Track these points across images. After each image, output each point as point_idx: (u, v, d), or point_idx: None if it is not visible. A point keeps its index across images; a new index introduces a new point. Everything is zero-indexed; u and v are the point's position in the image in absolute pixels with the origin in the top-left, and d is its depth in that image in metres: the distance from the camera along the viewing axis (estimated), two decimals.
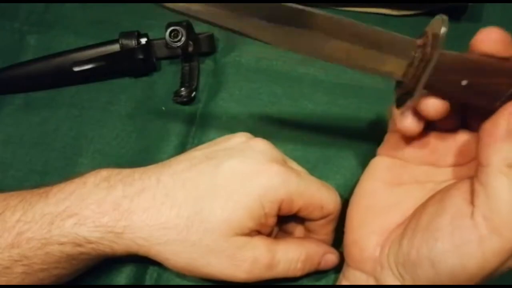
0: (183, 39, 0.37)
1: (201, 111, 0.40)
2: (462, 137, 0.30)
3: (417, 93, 0.25)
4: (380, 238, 0.29)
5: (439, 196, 0.28)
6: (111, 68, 0.40)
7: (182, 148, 0.39)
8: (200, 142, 0.39)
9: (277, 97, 0.40)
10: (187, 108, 0.40)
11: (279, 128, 0.39)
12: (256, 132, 0.39)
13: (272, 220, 0.31)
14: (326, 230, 0.33)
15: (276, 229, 0.34)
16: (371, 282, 0.29)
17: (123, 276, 0.35)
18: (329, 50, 0.25)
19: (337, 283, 0.32)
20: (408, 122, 0.28)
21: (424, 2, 0.41)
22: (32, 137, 0.40)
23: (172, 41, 0.37)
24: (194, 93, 0.39)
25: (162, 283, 0.35)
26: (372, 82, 0.40)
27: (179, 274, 0.35)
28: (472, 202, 0.26)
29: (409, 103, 0.26)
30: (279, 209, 0.30)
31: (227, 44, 0.42)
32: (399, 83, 0.28)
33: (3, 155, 0.39)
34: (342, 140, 0.39)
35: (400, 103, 0.27)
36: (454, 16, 0.42)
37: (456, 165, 0.30)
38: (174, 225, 0.29)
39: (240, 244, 0.29)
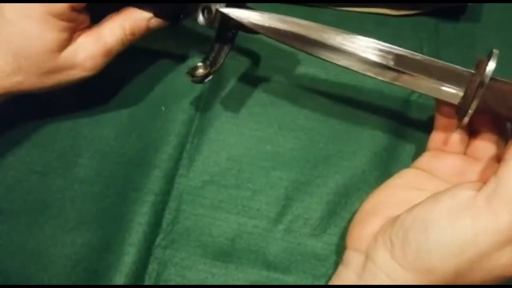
0: (216, 21, 0.34)
1: (201, 111, 0.40)
2: (490, 167, 0.31)
3: (469, 115, 0.29)
4: (383, 222, 0.30)
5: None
6: None
7: (182, 148, 0.39)
8: (200, 142, 0.39)
9: (277, 97, 0.40)
10: (186, 107, 0.40)
11: (278, 127, 0.39)
12: (255, 131, 0.39)
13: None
14: None
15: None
16: (362, 259, 0.30)
17: (122, 275, 0.35)
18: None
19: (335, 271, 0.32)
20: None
21: (424, 2, 0.41)
22: (32, 137, 0.40)
23: (204, 16, 0.34)
24: (210, 77, 0.35)
25: (162, 283, 0.35)
26: (373, 82, 0.40)
27: (179, 274, 0.36)
28: (480, 190, 0.27)
29: (463, 122, 0.29)
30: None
31: None
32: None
33: (3, 155, 0.39)
34: (342, 140, 0.39)
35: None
36: (454, 16, 0.42)
37: None
38: None
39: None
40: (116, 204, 0.37)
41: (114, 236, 0.36)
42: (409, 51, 0.30)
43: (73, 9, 0.32)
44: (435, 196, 0.29)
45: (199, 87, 0.40)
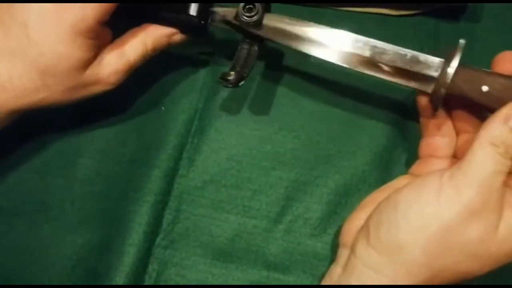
0: (256, 16, 0.33)
1: (201, 111, 0.40)
2: None
3: (440, 98, 0.31)
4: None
5: None
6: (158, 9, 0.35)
7: (182, 148, 0.39)
8: (200, 142, 0.39)
9: (276, 97, 0.40)
10: (186, 107, 0.40)
11: (278, 127, 0.39)
12: (255, 131, 0.39)
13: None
14: None
15: None
16: (348, 253, 0.31)
17: (122, 275, 0.35)
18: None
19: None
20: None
21: (424, 2, 0.41)
22: (32, 137, 0.40)
23: (244, 14, 0.33)
24: (242, 82, 0.35)
25: (162, 283, 0.35)
26: (373, 82, 0.40)
27: (179, 274, 0.36)
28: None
29: (437, 107, 0.31)
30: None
31: None
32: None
33: (3, 155, 0.39)
34: (342, 140, 0.39)
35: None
36: (454, 16, 0.42)
37: None
38: None
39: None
40: (116, 204, 0.37)
41: (114, 236, 0.36)
42: (384, 42, 0.32)
43: (100, 23, 0.31)
44: (409, 182, 0.30)
45: (199, 87, 0.40)
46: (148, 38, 0.34)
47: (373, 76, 0.33)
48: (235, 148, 0.39)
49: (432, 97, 0.31)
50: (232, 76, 0.34)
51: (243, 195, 0.37)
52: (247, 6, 0.33)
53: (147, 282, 0.35)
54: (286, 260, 0.36)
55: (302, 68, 0.41)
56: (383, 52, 0.32)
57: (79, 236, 0.36)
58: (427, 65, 0.31)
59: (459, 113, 0.33)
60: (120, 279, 0.35)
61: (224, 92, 0.40)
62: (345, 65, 0.33)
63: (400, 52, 0.32)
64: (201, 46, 0.41)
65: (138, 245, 0.36)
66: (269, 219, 0.37)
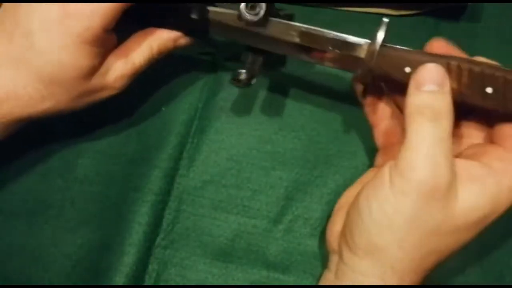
0: (261, 13, 0.32)
1: (201, 111, 0.40)
2: None
3: (365, 77, 0.31)
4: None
5: None
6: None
7: (182, 148, 0.39)
8: (200, 142, 0.39)
9: (277, 97, 0.40)
10: (186, 107, 0.40)
11: (278, 127, 0.39)
12: (255, 131, 0.39)
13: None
14: None
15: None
16: (336, 259, 0.30)
17: (122, 275, 0.35)
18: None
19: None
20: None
21: (424, 2, 0.41)
22: (32, 137, 0.40)
23: (248, 12, 0.32)
24: (254, 79, 0.35)
25: (162, 283, 0.35)
26: None
27: (179, 274, 0.36)
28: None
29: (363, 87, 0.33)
30: None
31: None
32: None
33: (3, 155, 0.39)
34: (342, 140, 0.39)
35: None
36: (454, 16, 0.42)
37: None
38: None
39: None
40: (116, 204, 0.37)
41: (114, 236, 0.36)
42: (314, 27, 0.32)
43: (105, 30, 0.31)
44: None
45: (199, 87, 0.40)
46: (154, 42, 0.34)
47: (312, 63, 0.33)
48: (235, 148, 0.39)
49: (362, 79, 0.32)
50: (243, 76, 0.34)
51: (243, 195, 0.37)
52: (250, 5, 0.33)
53: (147, 282, 0.35)
54: (286, 260, 0.36)
55: (302, 68, 0.41)
56: (313, 37, 0.32)
57: (79, 236, 0.36)
58: (356, 46, 0.31)
59: (398, 96, 0.32)
60: (120, 279, 0.35)
61: (224, 93, 0.40)
62: (281, 53, 0.33)
63: (330, 35, 0.31)
64: (201, 47, 0.41)
65: (138, 245, 0.36)
66: (269, 219, 0.37)
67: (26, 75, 0.30)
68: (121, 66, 0.33)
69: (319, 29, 0.32)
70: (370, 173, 0.34)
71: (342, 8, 0.42)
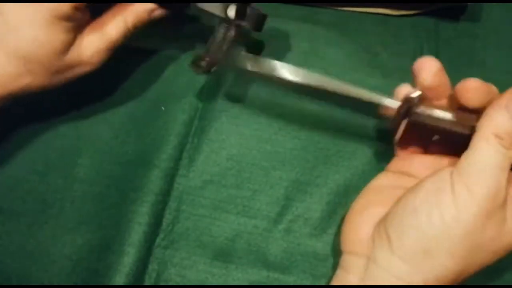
0: None
1: (201, 111, 0.40)
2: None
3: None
4: (375, 221, 0.31)
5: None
6: None
7: (182, 148, 0.39)
8: (200, 142, 0.39)
9: (276, 97, 0.40)
10: (186, 107, 0.40)
11: (278, 127, 0.39)
12: (255, 131, 0.39)
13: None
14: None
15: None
16: (362, 262, 0.30)
17: (122, 275, 0.35)
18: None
19: (334, 275, 0.32)
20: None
21: (424, 2, 0.41)
22: (32, 137, 0.40)
23: None
24: (214, 68, 0.34)
25: (162, 283, 0.35)
26: (373, 82, 0.40)
27: (179, 274, 0.36)
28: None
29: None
30: None
31: None
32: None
33: (3, 155, 0.39)
34: (342, 140, 0.39)
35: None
36: (454, 16, 0.42)
37: None
38: None
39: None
40: (116, 204, 0.37)
41: (114, 236, 0.36)
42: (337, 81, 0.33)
43: (77, 9, 0.32)
44: (419, 182, 0.30)
45: (199, 87, 0.40)
46: (128, 15, 0.35)
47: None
48: (235, 148, 0.39)
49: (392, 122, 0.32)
50: (204, 61, 0.33)
51: (243, 195, 0.37)
52: None
53: (147, 282, 0.35)
54: (286, 260, 0.36)
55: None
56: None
57: (79, 236, 0.36)
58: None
59: None
60: (120, 279, 0.35)
61: (224, 93, 0.40)
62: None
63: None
64: (202, 47, 0.41)
65: (138, 245, 0.36)
66: (269, 219, 0.37)
67: (2, 53, 0.31)
68: (97, 41, 0.34)
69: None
70: (381, 177, 0.34)
71: (342, 8, 0.42)
